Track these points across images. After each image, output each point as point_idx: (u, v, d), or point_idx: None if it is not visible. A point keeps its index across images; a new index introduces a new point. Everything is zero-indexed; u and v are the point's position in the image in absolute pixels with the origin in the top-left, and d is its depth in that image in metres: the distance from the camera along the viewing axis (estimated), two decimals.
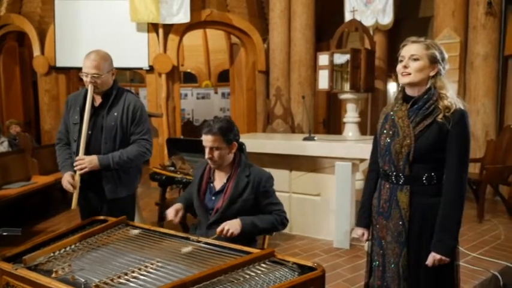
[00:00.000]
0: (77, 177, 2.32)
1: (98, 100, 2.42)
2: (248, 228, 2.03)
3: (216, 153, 2.11)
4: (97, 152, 2.36)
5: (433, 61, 1.72)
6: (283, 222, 2.18)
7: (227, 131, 2.12)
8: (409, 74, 1.72)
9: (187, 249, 1.72)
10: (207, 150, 2.13)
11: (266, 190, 2.17)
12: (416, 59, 1.71)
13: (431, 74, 1.73)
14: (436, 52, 1.72)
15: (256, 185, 2.15)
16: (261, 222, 2.10)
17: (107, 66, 2.37)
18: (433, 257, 1.70)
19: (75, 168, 2.30)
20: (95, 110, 2.39)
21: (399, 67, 1.75)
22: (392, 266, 1.80)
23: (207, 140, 2.11)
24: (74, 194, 2.32)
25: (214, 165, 2.18)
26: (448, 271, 1.77)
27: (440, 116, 1.68)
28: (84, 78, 2.35)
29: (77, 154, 2.34)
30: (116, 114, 2.39)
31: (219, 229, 1.98)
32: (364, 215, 1.98)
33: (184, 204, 2.25)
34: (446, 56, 1.77)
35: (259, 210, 2.19)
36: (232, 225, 1.98)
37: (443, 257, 1.68)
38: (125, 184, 2.47)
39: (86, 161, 2.30)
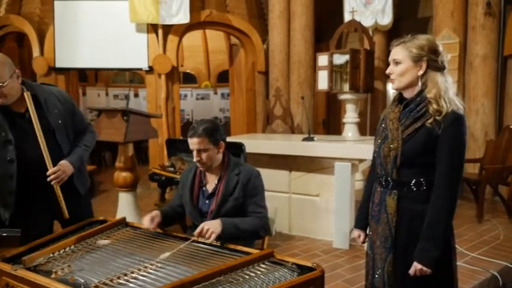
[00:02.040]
0: (58, 189, 2.13)
1: (20, 107, 2.10)
2: (229, 228, 1.93)
3: (204, 155, 2.08)
4: (57, 156, 2.14)
5: (417, 59, 1.63)
6: (265, 227, 2.12)
7: (212, 132, 2.08)
8: (393, 79, 1.70)
9: (164, 255, 1.68)
10: (194, 153, 2.09)
11: (255, 187, 2.14)
12: (398, 63, 1.67)
13: (420, 73, 1.65)
14: (416, 50, 1.63)
15: (245, 182, 2.12)
16: (243, 224, 2.02)
17: (7, 70, 1.99)
18: (414, 267, 1.63)
19: (52, 183, 2.09)
20: (28, 118, 2.08)
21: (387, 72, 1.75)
22: (379, 271, 1.77)
23: (192, 142, 2.07)
24: (61, 206, 2.15)
25: (203, 168, 2.14)
26: (449, 274, 1.71)
27: (430, 120, 1.60)
28: None
29: (27, 168, 2.08)
30: (56, 111, 2.17)
31: (198, 230, 1.86)
32: (361, 217, 1.96)
33: (169, 213, 2.16)
34: (437, 47, 1.65)
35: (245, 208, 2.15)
36: (212, 225, 1.88)
37: (425, 268, 1.61)
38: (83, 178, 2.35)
39: (62, 172, 2.11)
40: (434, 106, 1.60)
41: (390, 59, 1.71)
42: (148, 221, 2.00)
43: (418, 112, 1.64)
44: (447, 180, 1.61)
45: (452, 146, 1.59)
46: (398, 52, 1.67)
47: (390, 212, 1.70)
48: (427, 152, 1.62)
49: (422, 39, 1.66)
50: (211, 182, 2.18)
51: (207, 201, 2.16)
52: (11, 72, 2.01)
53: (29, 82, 2.16)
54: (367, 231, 1.95)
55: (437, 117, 1.59)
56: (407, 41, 1.67)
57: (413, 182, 1.67)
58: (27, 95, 2.04)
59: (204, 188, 2.19)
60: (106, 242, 1.82)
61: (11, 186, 2.07)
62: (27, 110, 2.08)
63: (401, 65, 1.66)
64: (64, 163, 2.14)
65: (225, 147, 2.17)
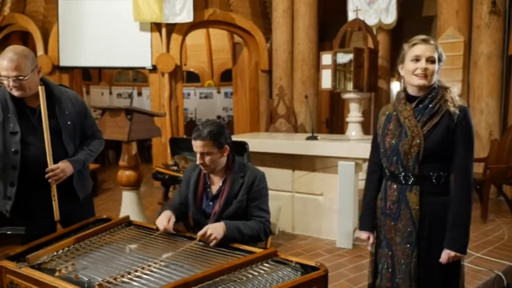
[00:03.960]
0: (54, 188, 2.11)
1: (33, 102, 2.11)
2: (232, 232, 1.89)
3: (207, 159, 2.03)
4: (60, 156, 2.14)
5: (440, 61, 1.74)
6: (266, 232, 2.08)
7: (217, 135, 2.02)
8: (426, 76, 1.70)
9: (167, 256, 1.66)
10: (198, 156, 2.04)
11: (259, 190, 2.10)
12: (433, 62, 1.71)
13: (437, 74, 1.75)
14: (440, 52, 1.74)
15: (250, 184, 2.08)
16: (246, 228, 1.97)
17: (29, 64, 2.01)
18: (447, 254, 1.71)
19: (49, 180, 2.07)
20: (38, 114, 2.09)
21: (413, 67, 1.71)
22: (403, 266, 1.79)
23: (196, 145, 2.02)
24: (54, 206, 2.13)
25: (206, 171, 2.10)
26: (456, 270, 1.78)
27: (451, 107, 1.69)
28: (5, 82, 1.99)
29: (29, 165, 2.08)
30: (67, 112, 2.18)
31: (200, 232, 1.83)
32: (368, 218, 1.96)
33: (175, 213, 2.08)
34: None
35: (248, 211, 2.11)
36: (215, 229, 1.84)
37: (458, 254, 1.71)
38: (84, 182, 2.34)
39: (61, 170, 2.09)
40: (452, 95, 1.72)
41: (423, 54, 1.71)
42: (165, 222, 1.93)
43: (433, 109, 1.72)
44: (465, 171, 1.72)
45: (468, 138, 1.71)
46: (434, 51, 1.72)
47: (414, 207, 1.76)
48: (446, 146, 1.72)
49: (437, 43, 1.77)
50: (216, 183, 2.15)
51: (210, 203, 2.13)
52: (33, 66, 2.03)
53: (47, 80, 2.18)
54: (376, 232, 1.96)
55: (452, 108, 1.69)
56: (434, 43, 1.74)
57: (434, 176, 1.74)
58: (41, 89, 2.05)
59: (208, 190, 2.16)
60: (134, 246, 1.77)
61: (13, 177, 2.08)
62: (39, 105, 2.10)
63: (435, 64, 1.72)
64: (64, 162, 2.14)
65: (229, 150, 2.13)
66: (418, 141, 1.71)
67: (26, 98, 2.09)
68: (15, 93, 2.02)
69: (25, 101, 2.10)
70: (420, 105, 1.74)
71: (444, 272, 1.76)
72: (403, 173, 1.78)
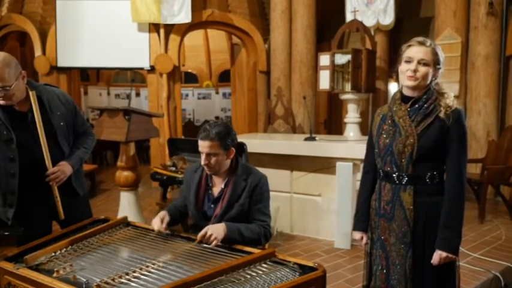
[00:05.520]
0: (55, 190, 2.13)
1: (23, 107, 2.08)
2: (232, 234, 1.87)
3: (213, 160, 2.00)
4: (58, 157, 2.15)
5: (437, 65, 1.75)
6: (267, 236, 2.07)
7: (225, 136, 2.00)
8: (416, 78, 1.72)
9: (165, 257, 1.67)
10: (203, 157, 2.01)
11: (261, 193, 2.09)
12: (425, 64, 1.72)
13: (433, 77, 1.75)
14: (440, 57, 1.75)
15: (253, 187, 2.06)
16: (247, 230, 1.95)
17: (13, 73, 1.94)
18: (439, 255, 1.71)
19: (51, 183, 2.10)
20: (31, 118, 2.07)
21: (405, 68, 1.74)
22: (398, 267, 1.80)
23: (203, 146, 1.99)
24: (57, 206, 2.15)
25: (210, 172, 2.08)
26: (452, 271, 1.78)
27: (442, 113, 1.70)
28: None
29: (32, 168, 2.08)
30: (59, 113, 2.16)
31: (201, 233, 1.82)
32: (362, 218, 1.96)
33: (174, 213, 2.11)
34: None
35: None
36: (216, 230, 1.82)
37: (450, 255, 1.70)
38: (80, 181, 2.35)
39: (61, 172, 2.11)
40: (447, 101, 1.72)
41: (415, 56, 1.72)
42: (158, 222, 1.94)
43: (427, 109, 1.74)
44: (458, 171, 1.72)
45: (461, 137, 1.72)
46: (427, 54, 1.72)
47: (408, 207, 1.76)
48: (440, 146, 1.73)
49: (438, 46, 1.77)
50: (218, 185, 2.12)
51: (212, 206, 2.11)
52: (17, 74, 1.98)
53: (33, 82, 2.16)
54: (369, 233, 1.96)
55: (447, 111, 1.70)
56: (432, 45, 1.74)
57: (428, 175, 1.75)
58: (32, 95, 2.03)
59: (209, 192, 2.13)
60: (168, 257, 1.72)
61: (13, 185, 2.07)
62: (29, 109, 2.08)
63: (427, 67, 1.72)
64: (63, 164, 2.14)
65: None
66: (411, 140, 1.73)
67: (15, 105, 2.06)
68: (1, 102, 1.99)
69: (13, 106, 2.07)
70: (415, 106, 1.76)
71: (439, 273, 1.76)
72: (396, 173, 1.78)
